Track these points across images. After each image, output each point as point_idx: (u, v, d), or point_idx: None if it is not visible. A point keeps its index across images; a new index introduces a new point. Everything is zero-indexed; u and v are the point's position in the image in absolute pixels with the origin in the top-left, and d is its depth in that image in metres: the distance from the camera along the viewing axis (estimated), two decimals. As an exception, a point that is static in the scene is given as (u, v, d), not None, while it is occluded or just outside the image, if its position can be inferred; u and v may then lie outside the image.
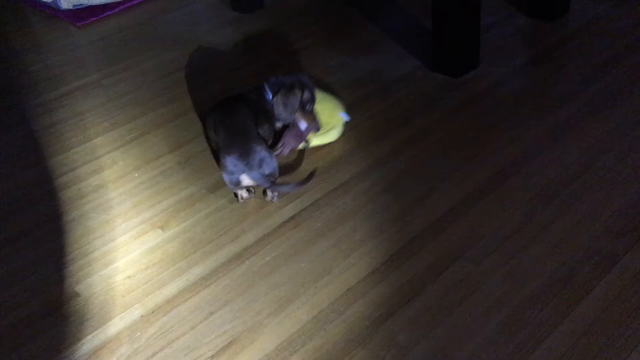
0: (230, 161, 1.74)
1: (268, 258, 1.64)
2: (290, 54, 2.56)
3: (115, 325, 1.50)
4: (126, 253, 1.69)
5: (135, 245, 1.71)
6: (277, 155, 1.87)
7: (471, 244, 1.61)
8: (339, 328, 1.44)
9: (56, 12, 3.10)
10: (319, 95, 2.05)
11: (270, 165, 1.77)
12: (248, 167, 1.74)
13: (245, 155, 1.74)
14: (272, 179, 1.78)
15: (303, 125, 1.96)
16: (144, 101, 2.36)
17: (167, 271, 1.62)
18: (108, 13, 3.06)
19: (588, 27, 2.54)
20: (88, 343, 1.46)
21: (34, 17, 3.18)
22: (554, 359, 1.33)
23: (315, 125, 1.97)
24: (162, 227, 1.76)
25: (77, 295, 1.58)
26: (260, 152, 1.75)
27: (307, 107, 1.96)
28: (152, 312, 1.52)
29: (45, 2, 3.15)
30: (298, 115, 1.95)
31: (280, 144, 1.94)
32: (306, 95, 1.94)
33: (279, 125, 2.00)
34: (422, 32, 2.60)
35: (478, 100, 2.18)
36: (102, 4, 3.11)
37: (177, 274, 1.61)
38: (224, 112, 1.88)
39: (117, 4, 3.12)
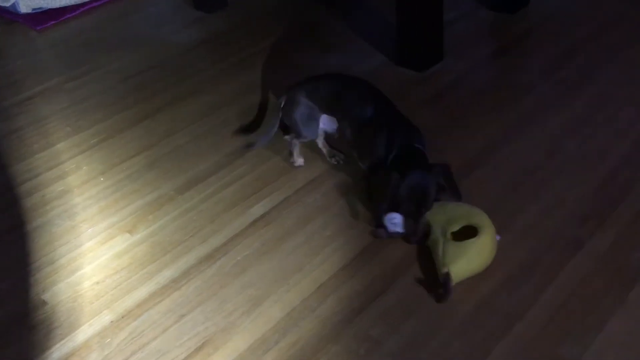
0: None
1: (239, 258, 1.63)
2: (256, 53, 2.55)
3: (85, 332, 1.47)
4: (93, 259, 1.66)
5: (103, 250, 1.68)
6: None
7: (440, 235, 1.62)
8: (312, 324, 1.44)
9: (15, 17, 3.03)
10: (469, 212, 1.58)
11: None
12: None
13: None
14: None
15: (397, 219, 1.58)
16: (108, 104, 2.32)
17: (136, 275, 1.60)
18: (68, 16, 3.00)
19: (548, 18, 2.58)
20: (57, 351, 1.43)
21: (-8, 22, 3.10)
22: (523, 344, 1.35)
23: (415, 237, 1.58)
24: (129, 231, 1.73)
25: (45, 303, 1.55)
26: None
27: (407, 209, 1.56)
28: (122, 317, 1.49)
29: (4, 7, 3.07)
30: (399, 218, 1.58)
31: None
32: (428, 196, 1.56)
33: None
34: (387, 27, 2.61)
35: (443, 93, 2.20)
36: (61, 7, 3.05)
37: (147, 277, 1.59)
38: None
39: (77, 6, 3.05)
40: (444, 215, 1.57)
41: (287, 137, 1.93)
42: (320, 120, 1.86)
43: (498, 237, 1.53)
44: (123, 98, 2.35)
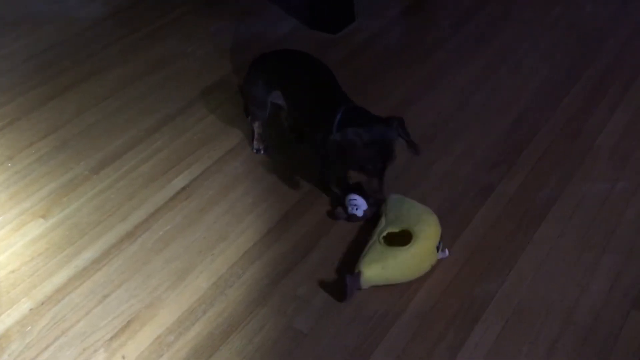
0: None
1: (161, 232, 1.61)
2: (166, 25, 2.47)
3: (3, 322, 1.41)
4: (7, 247, 1.59)
5: (16, 237, 1.62)
6: None
7: (360, 192, 1.66)
8: (239, 291, 1.45)
9: None
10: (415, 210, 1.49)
11: None
12: None
13: None
14: None
15: (359, 201, 1.53)
16: (12, 86, 2.20)
17: (54, 260, 1.55)
18: (-41, -5, 2.80)
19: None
20: (-26, 346, 1.38)
21: None
22: (443, 286, 1.41)
23: (371, 209, 1.51)
24: (43, 216, 1.67)
25: (-43, 298, 1.48)
26: None
27: (373, 167, 1.45)
28: (42, 303, 1.45)
29: None
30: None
31: None
32: (380, 147, 1.42)
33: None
34: (298, -9, 2.59)
35: (357, 54, 2.22)
36: (-49, -14, 2.83)
37: (65, 261, 1.54)
38: None
39: (-31, -16, 2.85)
40: (395, 212, 1.48)
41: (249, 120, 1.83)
42: (269, 97, 1.74)
43: (446, 254, 1.45)
44: (28, 78, 2.23)
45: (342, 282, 1.39)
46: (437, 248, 1.42)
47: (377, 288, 1.41)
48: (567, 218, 1.54)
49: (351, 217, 1.57)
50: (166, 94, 2.08)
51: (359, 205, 1.55)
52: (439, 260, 1.45)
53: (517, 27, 2.28)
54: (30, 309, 1.44)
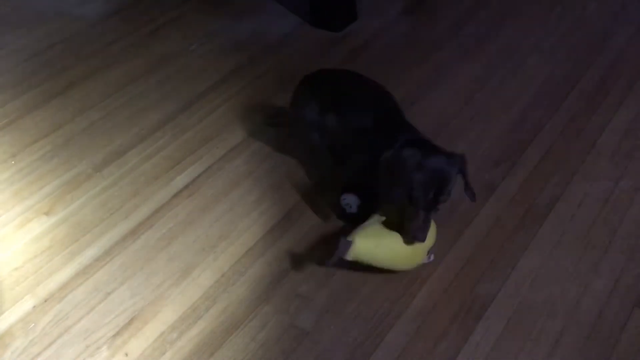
0: None
1: (164, 230, 1.61)
2: (168, 22, 2.47)
3: (7, 319, 1.42)
4: (10, 244, 1.60)
5: (20, 235, 1.62)
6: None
7: (363, 191, 1.66)
8: (242, 288, 1.45)
9: None
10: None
11: None
12: None
13: None
14: None
15: (350, 199, 1.50)
16: (14, 84, 2.20)
17: (58, 257, 1.55)
18: (-38, -7, 2.80)
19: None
20: (-22, 343, 1.38)
21: None
22: (445, 285, 1.41)
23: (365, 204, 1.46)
24: (47, 213, 1.67)
25: (-39, 295, 1.49)
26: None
27: (423, 195, 1.29)
28: (45, 300, 1.45)
29: None
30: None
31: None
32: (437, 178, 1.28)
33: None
34: (301, -11, 2.59)
35: (359, 52, 2.22)
36: (-46, -16, 2.83)
37: (69, 258, 1.55)
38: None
39: (-28, -18, 2.85)
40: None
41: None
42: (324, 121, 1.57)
43: (430, 259, 1.43)
44: (31, 76, 2.24)
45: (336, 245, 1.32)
46: (429, 251, 1.41)
47: (379, 286, 1.41)
48: (570, 217, 1.54)
49: (345, 215, 1.56)
50: (168, 92, 2.09)
51: (351, 204, 1.55)
52: (439, 260, 1.45)
53: (519, 26, 2.28)
54: (34, 306, 1.44)
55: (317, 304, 1.40)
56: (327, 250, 1.51)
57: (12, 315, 1.43)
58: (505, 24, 2.29)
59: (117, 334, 1.37)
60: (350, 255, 1.32)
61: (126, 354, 1.34)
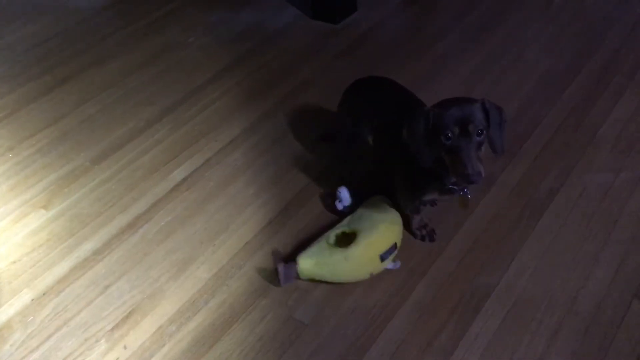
0: None
1: (162, 224, 1.60)
2: (166, 14, 2.46)
3: (5, 312, 1.42)
4: (8, 238, 1.59)
5: (17, 228, 1.62)
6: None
7: (362, 183, 1.65)
8: (240, 282, 1.45)
9: None
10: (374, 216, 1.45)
11: None
12: None
13: None
14: None
15: (342, 194, 1.52)
16: (12, 77, 2.19)
17: (55, 251, 1.55)
18: (-41, -14, 2.78)
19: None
20: (-24, 336, 1.38)
21: None
22: (444, 277, 1.41)
23: (351, 207, 1.47)
24: (44, 207, 1.67)
25: (-42, 289, 1.48)
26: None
27: (474, 147, 1.21)
28: (44, 294, 1.45)
29: None
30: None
31: None
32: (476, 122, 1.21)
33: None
34: (299, -19, 2.57)
35: (359, 44, 2.20)
36: (-50, -23, 2.82)
37: (67, 252, 1.54)
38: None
39: (-32, -25, 2.83)
40: (359, 213, 1.45)
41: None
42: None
43: (397, 266, 1.42)
44: (28, 69, 2.23)
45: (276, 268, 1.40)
46: (383, 257, 1.38)
47: (378, 278, 1.41)
48: (570, 209, 1.54)
49: (333, 208, 1.56)
50: (167, 85, 2.08)
51: (341, 198, 1.54)
52: (439, 252, 1.45)
53: (519, 18, 2.26)
54: (32, 300, 1.44)
55: (315, 297, 1.40)
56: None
57: (11, 308, 1.43)
58: (505, 15, 2.27)
59: (116, 327, 1.37)
60: (301, 276, 1.39)
61: (125, 347, 1.33)
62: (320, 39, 2.24)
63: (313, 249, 1.40)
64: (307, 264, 1.38)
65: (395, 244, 1.40)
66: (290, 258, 1.44)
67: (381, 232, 1.39)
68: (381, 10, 2.36)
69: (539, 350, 1.26)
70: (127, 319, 1.39)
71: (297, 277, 1.40)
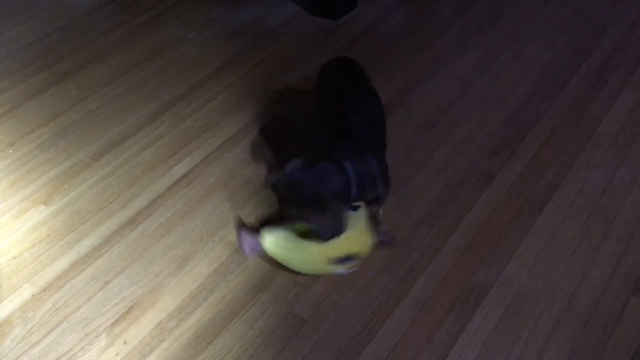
0: None
1: (162, 219, 1.61)
2: (166, 10, 2.46)
3: (5, 308, 1.42)
4: (8, 234, 1.60)
5: (18, 224, 1.62)
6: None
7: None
8: (240, 277, 1.45)
9: None
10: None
11: None
12: None
13: None
14: None
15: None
16: (11, 73, 2.19)
17: (56, 246, 1.55)
18: (-42, -19, 2.78)
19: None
20: (-23, 331, 1.38)
21: None
22: (443, 273, 1.42)
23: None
24: (45, 203, 1.67)
25: (-41, 284, 1.49)
26: None
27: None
28: (44, 289, 1.45)
29: None
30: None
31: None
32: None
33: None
34: (299, -24, 2.57)
35: (358, 40, 2.20)
36: (-51, -28, 2.81)
37: (67, 247, 1.55)
38: None
39: (-32, -30, 2.83)
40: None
41: None
42: None
43: (344, 273, 1.41)
44: (27, 65, 2.22)
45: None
46: (338, 263, 1.38)
47: (377, 274, 1.41)
48: (568, 205, 1.54)
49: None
50: (167, 81, 2.08)
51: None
52: (438, 249, 1.45)
53: (518, 14, 2.26)
54: (32, 295, 1.44)
55: (315, 292, 1.40)
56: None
57: (11, 304, 1.43)
58: (504, 11, 2.27)
59: (116, 322, 1.38)
60: (261, 252, 1.43)
61: (125, 342, 1.34)
62: (320, 35, 2.24)
63: (280, 231, 1.43)
64: (269, 242, 1.42)
65: (357, 254, 1.39)
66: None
67: (342, 240, 1.36)
68: (381, 7, 2.36)
69: (537, 346, 1.26)
70: (127, 314, 1.39)
71: (262, 252, 1.43)
